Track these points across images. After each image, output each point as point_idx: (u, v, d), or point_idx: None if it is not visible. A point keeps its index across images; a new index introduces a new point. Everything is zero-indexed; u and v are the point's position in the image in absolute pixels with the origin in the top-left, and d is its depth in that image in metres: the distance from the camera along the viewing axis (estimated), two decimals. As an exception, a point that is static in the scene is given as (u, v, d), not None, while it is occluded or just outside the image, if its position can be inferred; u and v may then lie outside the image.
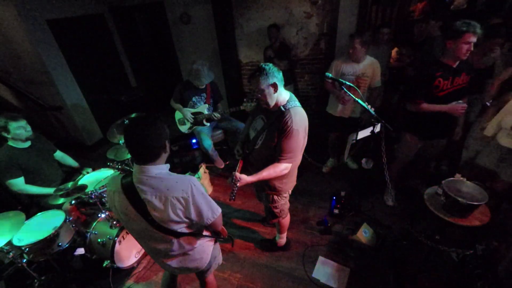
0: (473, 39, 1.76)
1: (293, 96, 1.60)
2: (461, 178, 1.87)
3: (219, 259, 1.63)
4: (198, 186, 1.16)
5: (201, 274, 1.57)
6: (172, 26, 4.28)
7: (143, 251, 2.39)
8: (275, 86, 1.45)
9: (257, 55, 4.09)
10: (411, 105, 2.13)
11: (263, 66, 1.45)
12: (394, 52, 3.63)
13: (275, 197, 1.83)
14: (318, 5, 3.46)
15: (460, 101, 1.99)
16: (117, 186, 1.16)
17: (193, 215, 1.15)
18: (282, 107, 1.51)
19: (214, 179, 3.35)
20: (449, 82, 1.96)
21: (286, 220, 2.11)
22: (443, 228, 1.90)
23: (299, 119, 1.48)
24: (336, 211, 2.54)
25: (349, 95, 1.82)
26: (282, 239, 2.29)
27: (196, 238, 1.35)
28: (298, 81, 4.08)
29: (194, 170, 3.11)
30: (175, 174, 1.16)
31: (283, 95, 1.54)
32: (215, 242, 1.54)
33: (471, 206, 1.70)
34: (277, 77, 1.46)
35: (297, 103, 1.56)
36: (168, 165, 1.18)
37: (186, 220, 1.16)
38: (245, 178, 1.54)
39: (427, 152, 2.40)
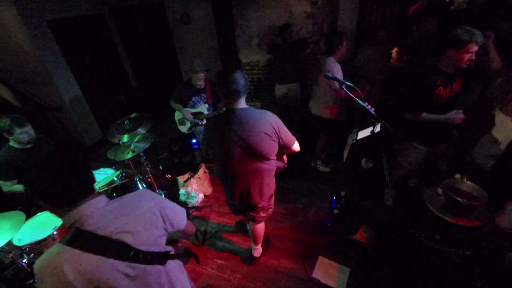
0: (476, 49, 1.73)
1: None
2: (461, 178, 1.87)
3: None
4: (155, 194, 1.05)
5: None
6: (172, 26, 4.28)
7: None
8: None
9: (257, 55, 4.09)
10: (410, 114, 2.09)
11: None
12: (394, 52, 3.63)
13: None
14: (318, 5, 3.46)
15: (460, 111, 1.95)
16: (62, 261, 0.79)
17: (169, 222, 1.03)
18: None
19: (214, 179, 3.35)
20: (448, 89, 1.94)
21: None
22: (443, 228, 1.90)
23: None
24: (336, 211, 2.54)
25: (349, 95, 1.83)
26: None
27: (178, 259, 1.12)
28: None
29: (194, 170, 3.11)
30: (123, 196, 0.99)
31: None
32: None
33: (471, 206, 1.71)
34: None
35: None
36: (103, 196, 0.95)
37: (165, 232, 1.02)
38: None
39: (431, 155, 2.39)
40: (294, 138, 1.61)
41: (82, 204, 0.86)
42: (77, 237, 0.83)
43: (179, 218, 1.08)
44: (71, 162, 0.87)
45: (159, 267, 0.97)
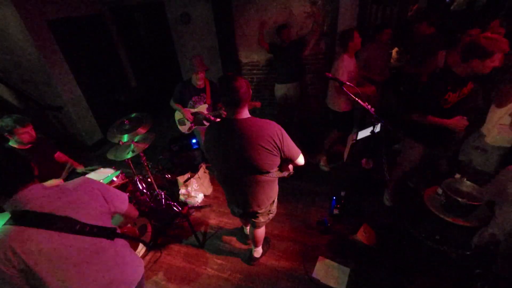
0: (500, 56, 1.71)
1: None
2: (461, 178, 1.88)
3: None
4: (95, 180, 1.16)
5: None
6: (172, 26, 4.28)
7: (142, 251, 2.39)
8: None
9: (257, 55, 4.09)
10: (417, 116, 2.06)
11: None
12: (394, 52, 3.64)
13: None
14: (318, 5, 3.46)
15: (464, 118, 1.94)
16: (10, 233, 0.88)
17: (111, 203, 1.12)
18: None
19: (214, 179, 3.34)
20: (457, 94, 1.92)
21: None
22: (443, 228, 1.90)
23: None
24: (336, 211, 2.54)
25: (350, 95, 1.83)
26: None
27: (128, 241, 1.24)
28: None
29: (194, 170, 3.12)
30: (63, 183, 1.10)
31: None
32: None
33: (471, 206, 1.71)
34: None
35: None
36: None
37: (109, 210, 1.12)
38: None
39: (431, 155, 2.39)
40: (299, 151, 1.53)
41: (21, 191, 0.93)
42: (21, 216, 0.91)
43: (120, 199, 1.17)
44: (4, 154, 0.94)
45: (108, 242, 1.07)
